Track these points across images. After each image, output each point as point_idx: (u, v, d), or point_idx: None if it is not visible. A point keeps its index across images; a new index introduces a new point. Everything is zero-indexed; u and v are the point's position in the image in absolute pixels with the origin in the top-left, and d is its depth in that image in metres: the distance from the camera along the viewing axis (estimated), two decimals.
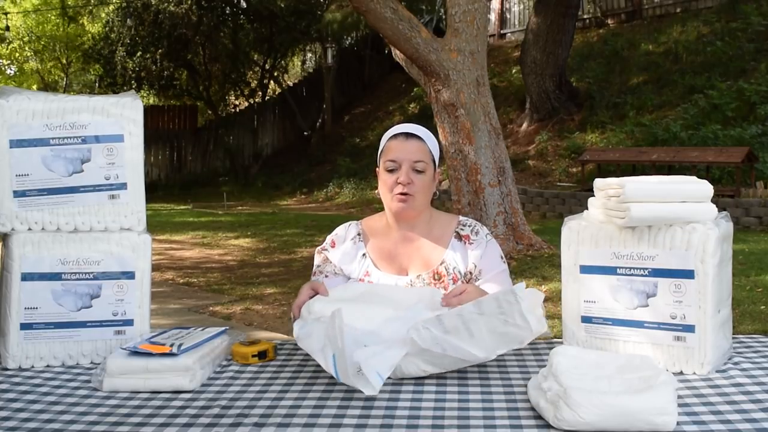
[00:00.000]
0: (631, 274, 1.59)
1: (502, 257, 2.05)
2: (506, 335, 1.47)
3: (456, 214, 2.17)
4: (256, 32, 19.26)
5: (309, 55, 23.29)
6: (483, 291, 1.80)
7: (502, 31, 18.14)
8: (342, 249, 2.07)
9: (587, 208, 1.71)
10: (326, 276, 2.04)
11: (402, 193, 1.96)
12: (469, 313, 1.49)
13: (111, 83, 18.63)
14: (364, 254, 2.06)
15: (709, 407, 1.35)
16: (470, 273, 2.00)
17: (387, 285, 1.96)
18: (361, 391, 1.47)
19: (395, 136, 2.03)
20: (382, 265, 2.03)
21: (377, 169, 2.08)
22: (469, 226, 2.07)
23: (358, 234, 2.09)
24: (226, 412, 1.38)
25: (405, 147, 2.00)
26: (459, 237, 2.05)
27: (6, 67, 23.89)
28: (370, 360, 1.43)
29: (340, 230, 2.12)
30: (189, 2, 18.00)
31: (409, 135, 2.02)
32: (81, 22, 22.34)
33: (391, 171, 1.99)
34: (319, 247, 2.13)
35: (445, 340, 1.49)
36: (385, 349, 1.50)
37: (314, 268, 2.09)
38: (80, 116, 1.73)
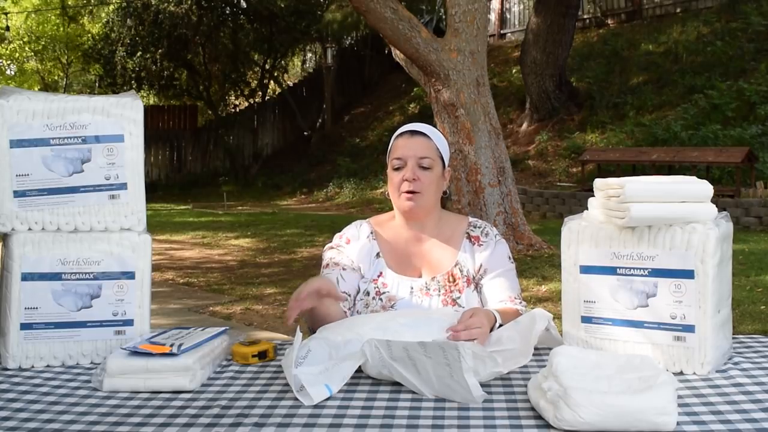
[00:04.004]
0: (631, 274, 1.59)
1: (509, 257, 2.05)
2: (451, 388, 1.41)
3: (465, 215, 2.17)
4: (256, 32, 19.25)
5: (309, 55, 23.29)
6: (490, 315, 1.75)
7: (502, 31, 18.14)
8: (359, 246, 2.03)
9: (587, 208, 1.71)
10: (344, 269, 1.98)
11: (410, 191, 1.95)
12: (414, 351, 1.44)
13: (111, 83, 18.62)
14: (378, 254, 2.03)
15: (709, 407, 1.35)
16: (477, 272, 2.00)
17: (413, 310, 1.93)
18: (361, 391, 1.47)
19: (401, 134, 2.03)
20: (395, 266, 2.01)
21: (387, 170, 2.06)
22: (479, 227, 2.06)
23: (371, 233, 2.06)
24: (226, 412, 1.38)
25: (410, 144, 1.98)
26: (469, 238, 2.04)
27: (6, 67, 23.89)
28: (319, 376, 1.45)
29: (351, 228, 2.08)
30: (189, 2, 17.99)
31: (414, 132, 2.01)
32: (81, 22, 22.34)
33: (397, 169, 1.98)
34: (329, 244, 2.08)
35: (392, 366, 1.48)
36: (339, 362, 1.51)
37: (326, 261, 2.04)
38: (80, 116, 1.73)
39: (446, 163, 2.05)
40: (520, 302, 1.97)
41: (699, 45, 13.14)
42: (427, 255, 2.02)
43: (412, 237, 2.03)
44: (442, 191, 2.05)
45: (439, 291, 1.97)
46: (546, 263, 6.64)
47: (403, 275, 1.99)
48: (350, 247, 2.03)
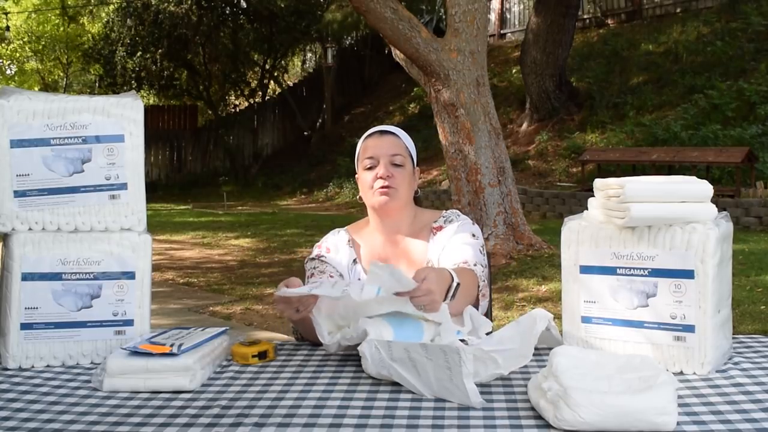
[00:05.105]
0: (631, 275, 1.59)
1: (474, 235, 1.98)
2: (449, 391, 1.40)
3: (440, 210, 2.11)
4: (256, 32, 19.26)
5: (309, 55, 23.30)
6: (444, 274, 1.68)
7: (502, 31, 18.13)
8: (339, 254, 2.03)
9: (587, 208, 1.71)
10: (331, 276, 1.98)
11: (383, 187, 1.94)
12: (415, 352, 1.45)
13: (111, 83, 18.63)
14: (354, 260, 2.03)
15: (709, 407, 1.35)
16: (440, 256, 1.94)
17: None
18: (361, 391, 1.47)
19: (370, 135, 2.04)
20: None
21: (357, 176, 2.05)
22: (444, 217, 2.04)
23: (349, 240, 2.07)
24: (226, 412, 1.38)
25: (380, 143, 1.99)
26: (433, 230, 2.01)
27: (6, 67, 23.91)
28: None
29: (330, 238, 2.08)
30: (189, 2, 18.00)
31: (383, 132, 2.02)
32: (81, 22, 22.36)
33: (370, 168, 1.98)
34: (310, 255, 2.07)
35: (392, 367, 1.48)
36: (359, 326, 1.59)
37: (309, 272, 2.02)
38: (81, 116, 1.73)
39: (415, 162, 2.05)
40: (476, 267, 1.87)
41: (699, 45, 13.14)
42: (403, 256, 2.00)
43: (387, 240, 2.03)
44: (414, 190, 2.05)
45: None
46: (546, 263, 6.64)
47: None
48: (331, 256, 2.03)
